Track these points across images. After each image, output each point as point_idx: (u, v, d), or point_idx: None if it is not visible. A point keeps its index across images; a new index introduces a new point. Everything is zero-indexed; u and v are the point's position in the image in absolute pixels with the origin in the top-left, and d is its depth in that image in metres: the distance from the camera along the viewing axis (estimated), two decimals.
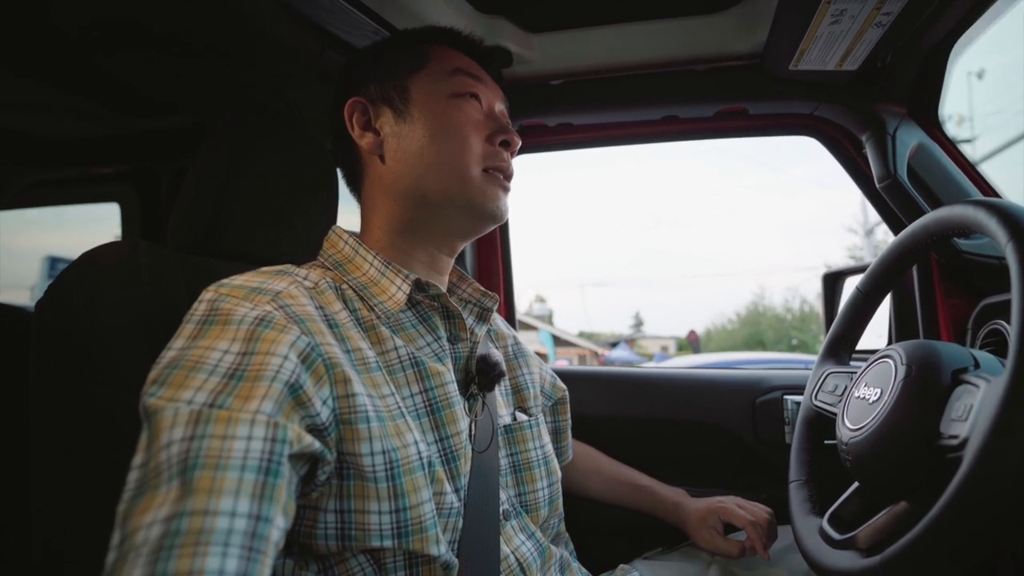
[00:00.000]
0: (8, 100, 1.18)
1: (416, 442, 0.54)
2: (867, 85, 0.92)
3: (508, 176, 0.67)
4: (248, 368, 0.45)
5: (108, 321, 0.57)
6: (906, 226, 0.69)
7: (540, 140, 1.21)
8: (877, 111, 0.93)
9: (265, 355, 0.46)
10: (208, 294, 0.51)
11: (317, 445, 0.47)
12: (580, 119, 1.15)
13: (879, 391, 0.60)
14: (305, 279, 0.58)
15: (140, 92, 1.13)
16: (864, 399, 0.62)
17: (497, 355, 0.70)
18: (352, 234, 0.66)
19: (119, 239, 0.71)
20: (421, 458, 0.53)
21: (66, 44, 0.93)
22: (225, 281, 0.53)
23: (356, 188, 0.70)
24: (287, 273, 0.57)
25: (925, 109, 0.94)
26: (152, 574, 0.35)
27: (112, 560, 0.37)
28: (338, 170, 0.77)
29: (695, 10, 0.92)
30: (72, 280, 0.58)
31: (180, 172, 1.40)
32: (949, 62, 0.87)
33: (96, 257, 0.59)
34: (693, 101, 1.05)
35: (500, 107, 0.70)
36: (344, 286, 0.61)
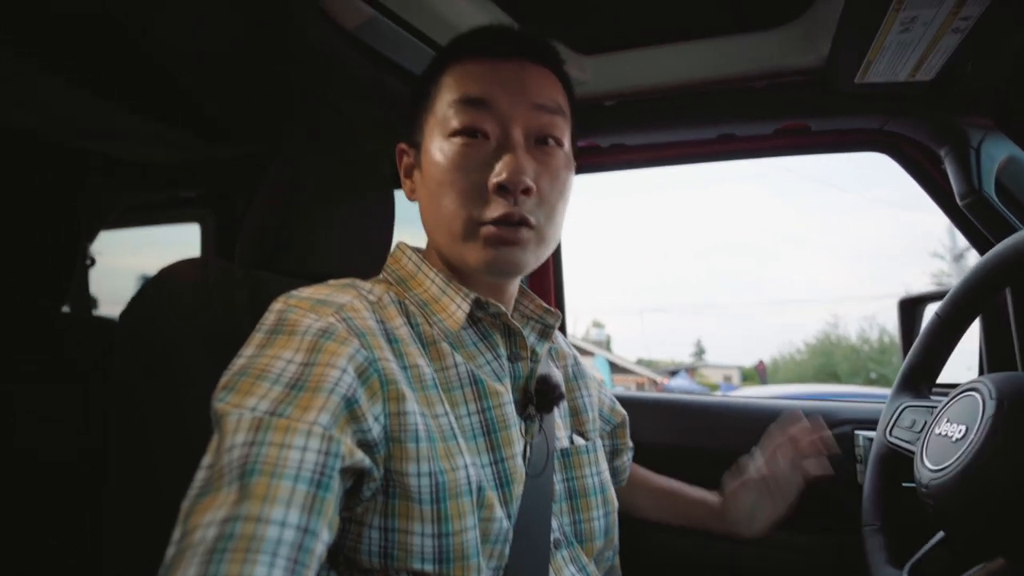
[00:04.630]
0: (108, 129, 1.31)
1: (466, 465, 0.53)
2: (945, 96, 0.86)
3: (514, 223, 0.56)
4: (309, 379, 0.46)
5: (179, 331, 0.61)
6: (993, 246, 0.63)
7: (594, 161, 1.21)
8: (957, 123, 0.86)
9: (325, 367, 0.47)
10: (277, 305, 0.53)
11: (367, 461, 0.47)
12: (634, 139, 1.14)
13: (964, 428, 0.54)
14: (369, 293, 0.58)
15: (217, 120, 1.22)
16: (947, 437, 0.56)
17: (557, 376, 0.68)
18: (417, 251, 0.66)
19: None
20: (470, 482, 0.52)
21: (154, 75, 1.03)
22: (294, 293, 0.55)
23: None
24: (352, 287, 0.58)
25: (1016, 119, 0.86)
26: (205, 574, 0.36)
27: (171, 555, 0.38)
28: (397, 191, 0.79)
29: (752, 26, 0.90)
30: (150, 293, 0.63)
31: (253, 194, 1.51)
32: None
33: (171, 273, 0.64)
34: (751, 119, 1.02)
35: (529, 118, 0.58)
36: (407, 302, 0.61)
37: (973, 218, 0.89)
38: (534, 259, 0.60)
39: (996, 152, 0.85)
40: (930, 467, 0.55)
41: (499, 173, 0.55)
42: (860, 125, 0.99)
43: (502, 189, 0.56)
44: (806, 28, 0.87)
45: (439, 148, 0.59)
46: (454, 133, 0.58)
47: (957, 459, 0.52)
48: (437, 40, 0.91)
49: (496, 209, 0.56)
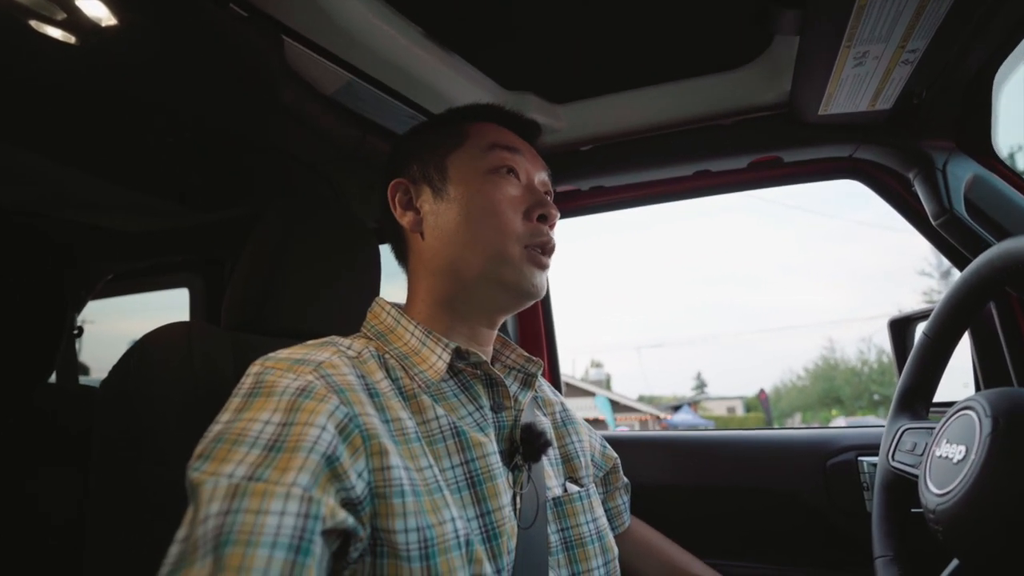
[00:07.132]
0: (95, 202, 1.32)
1: (453, 519, 0.51)
2: (906, 122, 0.89)
3: (548, 251, 0.65)
4: (287, 439, 0.46)
5: (162, 397, 0.60)
6: (971, 261, 0.64)
7: (575, 204, 1.23)
8: (921, 147, 0.89)
9: (304, 425, 0.46)
10: (255, 368, 0.53)
11: (351, 520, 0.46)
12: (612, 181, 1.16)
13: (963, 448, 0.53)
14: (348, 348, 0.59)
15: (203, 188, 1.24)
16: (947, 459, 0.55)
17: (544, 423, 0.67)
18: (395, 305, 0.67)
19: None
20: (458, 536, 0.51)
21: (144, 149, 1.05)
22: (271, 355, 0.54)
23: (403, 262, 0.72)
24: (331, 344, 0.58)
25: (976, 140, 0.89)
26: None
27: None
28: (383, 245, 0.79)
29: (715, 68, 0.93)
30: (132, 359, 0.62)
31: (239, 258, 1.51)
32: (994, 90, 0.83)
33: (154, 338, 0.64)
34: (725, 154, 1.05)
35: (541, 177, 0.69)
36: (387, 355, 0.61)
37: (948, 236, 0.91)
38: None
39: (961, 172, 0.88)
40: (935, 491, 0.54)
41: (543, 206, 0.65)
42: (830, 154, 1.01)
43: (543, 219, 0.65)
44: (767, 67, 0.90)
45: (482, 180, 0.65)
46: (495, 170, 0.65)
47: (960, 482, 0.51)
48: (414, 99, 0.94)
49: (541, 235, 0.64)
